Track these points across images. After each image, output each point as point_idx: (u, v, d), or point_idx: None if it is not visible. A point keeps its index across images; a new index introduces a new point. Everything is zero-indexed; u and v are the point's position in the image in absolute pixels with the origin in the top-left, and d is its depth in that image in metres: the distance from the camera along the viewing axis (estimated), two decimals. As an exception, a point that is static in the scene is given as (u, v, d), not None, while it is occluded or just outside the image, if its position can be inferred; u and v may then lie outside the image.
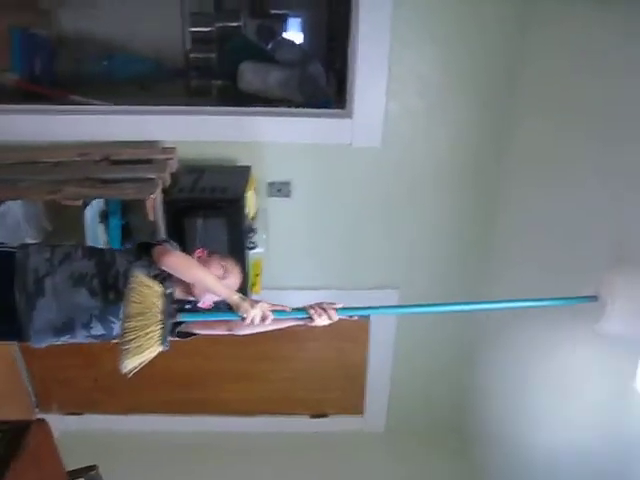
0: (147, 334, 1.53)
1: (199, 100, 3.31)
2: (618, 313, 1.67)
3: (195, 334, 1.89)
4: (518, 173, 2.70)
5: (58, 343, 1.80)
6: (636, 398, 1.71)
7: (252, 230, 2.60)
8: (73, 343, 1.81)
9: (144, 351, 1.54)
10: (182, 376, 3.52)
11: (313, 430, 3.67)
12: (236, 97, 3.22)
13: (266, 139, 2.79)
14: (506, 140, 2.73)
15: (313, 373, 3.54)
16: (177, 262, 1.69)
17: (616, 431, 1.90)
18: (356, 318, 1.69)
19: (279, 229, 2.91)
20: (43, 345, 1.78)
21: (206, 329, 1.86)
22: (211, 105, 3.02)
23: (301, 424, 3.67)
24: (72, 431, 3.34)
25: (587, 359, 2.10)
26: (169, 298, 1.62)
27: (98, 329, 1.74)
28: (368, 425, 3.71)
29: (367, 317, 3.27)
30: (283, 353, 3.45)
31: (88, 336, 1.76)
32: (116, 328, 1.74)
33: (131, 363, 1.54)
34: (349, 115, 2.75)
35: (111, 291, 1.71)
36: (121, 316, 1.65)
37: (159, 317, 1.55)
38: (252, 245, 2.62)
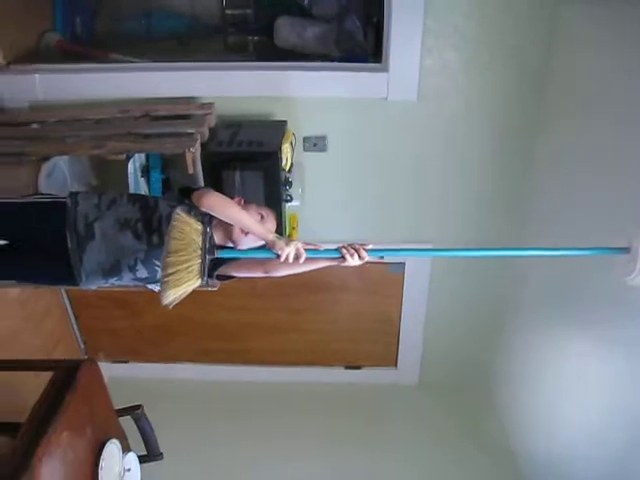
0: (187, 268, 1.61)
1: (236, 56, 3.32)
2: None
3: (233, 277, 1.94)
4: (553, 127, 2.68)
5: (106, 285, 1.90)
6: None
7: (288, 183, 2.65)
8: (120, 286, 1.92)
9: (183, 284, 1.63)
10: (220, 328, 3.66)
11: (347, 381, 3.77)
12: (273, 53, 3.23)
13: (302, 94, 2.82)
14: (542, 92, 2.70)
15: (348, 325, 3.61)
16: (215, 201, 1.76)
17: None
18: (385, 259, 1.75)
19: (315, 183, 2.96)
20: (93, 287, 1.89)
21: (244, 271, 1.92)
22: (248, 61, 3.04)
23: (336, 375, 3.77)
24: (118, 377, 3.49)
25: (613, 310, 2.12)
26: (208, 236, 1.68)
27: (142, 272, 1.84)
28: (401, 378, 3.78)
29: (402, 272, 3.33)
30: (318, 306, 3.53)
31: (134, 279, 1.86)
32: (159, 272, 1.81)
33: (171, 295, 1.63)
34: (385, 69, 2.75)
35: (155, 234, 1.80)
36: None
37: (198, 253, 1.64)
38: (288, 198, 2.67)
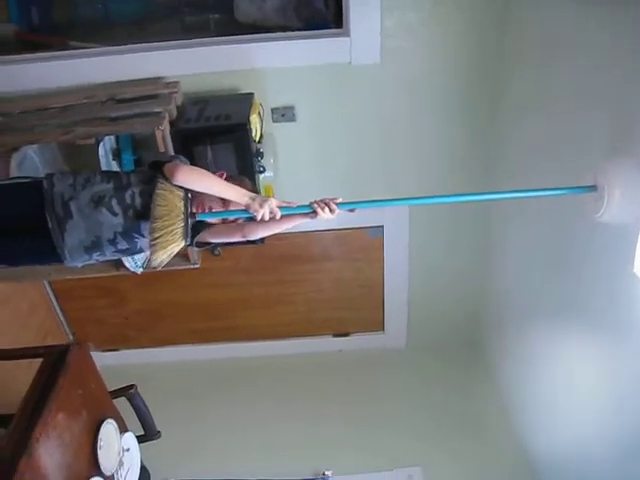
0: (172, 231, 1.76)
1: (197, 35, 3.30)
2: (616, 201, 1.75)
3: (211, 243, 2.00)
4: (516, 74, 2.72)
5: (91, 262, 1.94)
6: (635, 282, 1.79)
7: (260, 154, 2.67)
8: (103, 260, 1.95)
9: (170, 245, 1.77)
10: (206, 306, 3.68)
11: (336, 349, 3.82)
12: (234, 29, 3.21)
13: (266, 65, 2.82)
14: (503, 41, 2.73)
15: (333, 294, 3.66)
16: (187, 174, 1.80)
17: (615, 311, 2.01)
18: (357, 212, 1.84)
19: (287, 153, 2.98)
20: (78, 264, 1.94)
21: (221, 237, 2.01)
22: (209, 36, 3.03)
23: (324, 344, 3.82)
24: (110, 366, 3.51)
25: (589, 250, 2.18)
26: (189, 201, 1.81)
27: (123, 244, 1.89)
28: (389, 342, 3.84)
29: (381, 235, 3.37)
30: (302, 277, 3.57)
31: (115, 251, 1.91)
32: (139, 243, 1.89)
33: (160, 257, 1.79)
34: (346, 34, 2.76)
35: (129, 210, 1.84)
36: (143, 232, 1.85)
37: (181, 217, 1.78)
38: (261, 169, 2.69)
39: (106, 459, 2.25)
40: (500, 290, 3.34)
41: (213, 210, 1.91)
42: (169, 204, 1.76)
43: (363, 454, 3.12)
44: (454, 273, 3.52)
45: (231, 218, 1.93)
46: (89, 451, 2.18)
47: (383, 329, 3.81)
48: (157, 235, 1.73)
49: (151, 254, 1.77)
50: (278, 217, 1.78)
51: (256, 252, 3.39)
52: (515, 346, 3.22)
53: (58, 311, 3.70)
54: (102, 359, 3.55)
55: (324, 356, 3.76)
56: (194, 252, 2.81)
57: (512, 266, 3.11)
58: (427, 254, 3.44)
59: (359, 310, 3.74)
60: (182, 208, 1.78)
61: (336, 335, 3.84)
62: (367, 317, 3.77)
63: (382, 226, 3.33)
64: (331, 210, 1.77)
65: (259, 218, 1.76)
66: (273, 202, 1.77)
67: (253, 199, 1.78)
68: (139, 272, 2.82)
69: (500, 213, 3.14)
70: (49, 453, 1.90)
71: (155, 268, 1.82)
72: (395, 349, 3.82)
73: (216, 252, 3.24)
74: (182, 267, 2.88)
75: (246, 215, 1.82)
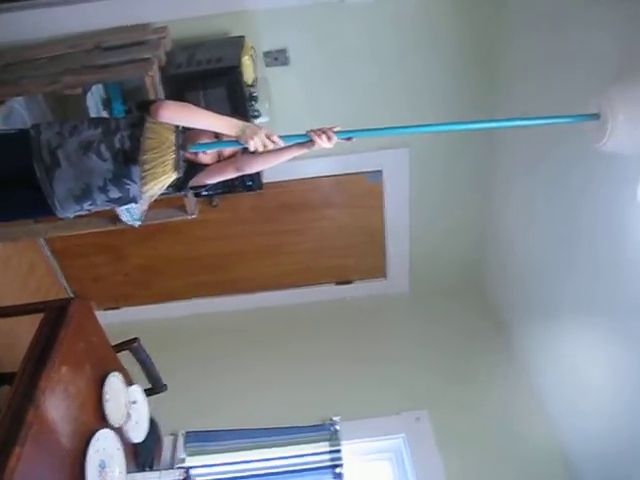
0: (163, 162, 1.73)
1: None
2: (619, 129, 1.70)
3: (206, 185, 1.95)
4: (521, 7, 2.63)
5: (82, 213, 1.89)
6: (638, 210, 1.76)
7: (254, 98, 2.60)
8: (96, 210, 1.90)
9: (160, 176, 1.74)
10: (206, 260, 3.65)
11: (339, 297, 3.81)
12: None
13: (256, 6, 2.73)
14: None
15: (334, 242, 3.62)
16: (174, 110, 1.76)
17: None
18: (354, 140, 1.79)
19: (282, 98, 2.90)
20: (70, 214, 1.88)
21: (216, 175, 1.95)
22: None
23: (327, 292, 3.81)
24: (112, 324, 3.49)
25: (592, 180, 2.14)
26: (180, 133, 1.77)
27: (114, 192, 1.83)
28: (392, 288, 3.82)
29: (380, 180, 3.32)
30: (301, 225, 3.53)
31: (107, 200, 1.85)
32: (132, 190, 1.83)
33: (150, 188, 1.77)
34: (338, -31, 2.66)
35: (119, 154, 1.79)
36: (134, 177, 1.79)
37: (172, 149, 1.75)
38: (256, 114, 2.62)
39: (113, 411, 2.25)
40: (503, 231, 3.31)
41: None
42: (159, 137, 1.73)
43: (370, 399, 3.13)
44: (456, 216, 3.48)
45: (226, 153, 1.89)
46: (96, 404, 2.17)
47: (385, 275, 3.79)
48: (148, 167, 1.72)
49: (142, 185, 1.75)
50: (271, 147, 1.73)
51: (254, 202, 3.34)
52: (519, 288, 3.21)
53: (57, 270, 3.67)
54: (104, 317, 3.51)
55: (327, 304, 3.75)
56: (191, 202, 2.76)
57: (515, 205, 3.08)
58: (428, 198, 3.40)
59: (361, 257, 3.71)
60: (173, 140, 1.75)
61: (339, 283, 3.83)
62: (369, 264, 3.74)
63: (381, 171, 3.28)
64: (328, 138, 1.73)
65: (252, 149, 1.72)
66: (263, 132, 1.72)
67: (244, 129, 1.73)
68: (136, 225, 2.77)
69: (501, 151, 3.08)
70: (55, 405, 1.89)
71: (150, 198, 1.82)
72: (398, 295, 3.81)
73: (214, 203, 3.20)
74: (179, 218, 2.84)
75: (238, 146, 1.78)
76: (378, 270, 3.77)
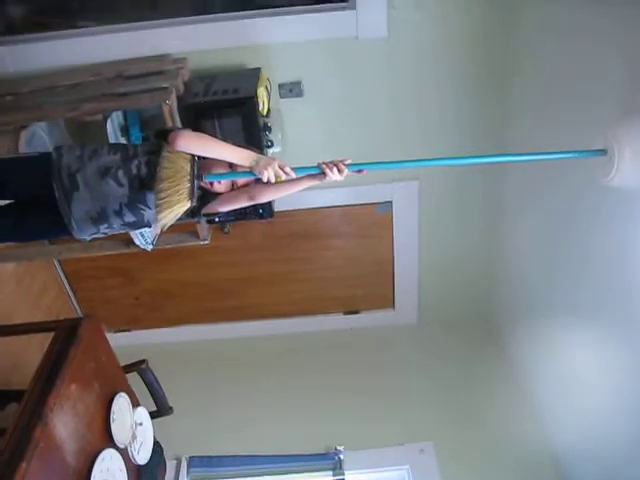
0: (177, 192, 1.77)
1: (203, 11, 3.29)
2: (626, 165, 1.73)
3: (219, 212, 2.00)
4: (527, 42, 2.69)
5: (99, 235, 1.95)
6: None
7: (268, 128, 2.67)
8: (111, 233, 1.96)
9: (175, 204, 1.78)
10: (216, 285, 3.69)
11: (347, 326, 3.82)
12: (240, 4, 3.19)
13: (272, 40, 2.81)
14: (515, 12, 2.71)
15: (342, 271, 3.65)
16: (189, 138, 1.82)
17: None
18: (366, 173, 1.82)
19: (294, 128, 2.97)
20: (87, 236, 1.94)
21: (229, 204, 1.98)
22: (215, 12, 3.02)
23: (335, 321, 3.83)
24: (122, 346, 3.52)
25: (599, 215, 2.17)
26: (196, 163, 1.82)
27: (129, 216, 1.89)
28: (400, 318, 3.83)
29: (390, 210, 3.36)
30: (311, 254, 3.57)
31: (123, 224, 1.91)
32: (146, 215, 1.89)
33: (165, 217, 1.80)
34: (352, 6, 2.75)
35: (135, 180, 1.85)
36: (149, 203, 1.86)
37: (187, 178, 1.79)
38: (269, 144, 2.69)
39: (119, 432, 2.27)
40: (511, 262, 3.33)
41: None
42: (175, 166, 1.77)
43: (375, 429, 3.12)
44: (465, 248, 3.50)
45: (239, 183, 1.93)
46: (102, 423, 2.19)
47: (394, 306, 3.81)
48: (163, 196, 1.75)
49: (157, 214, 1.78)
50: (284, 177, 1.77)
51: (265, 230, 3.39)
52: (527, 322, 3.21)
53: (69, 292, 3.73)
54: (114, 340, 3.56)
55: (335, 334, 3.76)
56: (203, 228, 2.82)
57: (523, 236, 3.10)
58: (437, 229, 3.43)
59: (369, 287, 3.73)
60: (188, 169, 1.79)
61: (347, 313, 3.84)
62: (377, 294, 3.77)
63: (391, 202, 3.32)
64: (339, 170, 1.76)
65: (265, 179, 1.76)
66: (277, 163, 1.76)
67: (257, 161, 1.78)
68: (149, 249, 2.83)
69: (510, 183, 3.11)
70: (63, 423, 1.92)
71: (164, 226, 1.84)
72: (406, 326, 3.82)
73: (225, 230, 3.25)
74: (191, 243, 2.89)
75: (252, 177, 1.83)
76: (386, 300, 3.79)
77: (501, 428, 3.05)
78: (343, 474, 2.91)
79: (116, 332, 3.82)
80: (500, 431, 3.04)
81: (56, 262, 3.58)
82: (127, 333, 3.87)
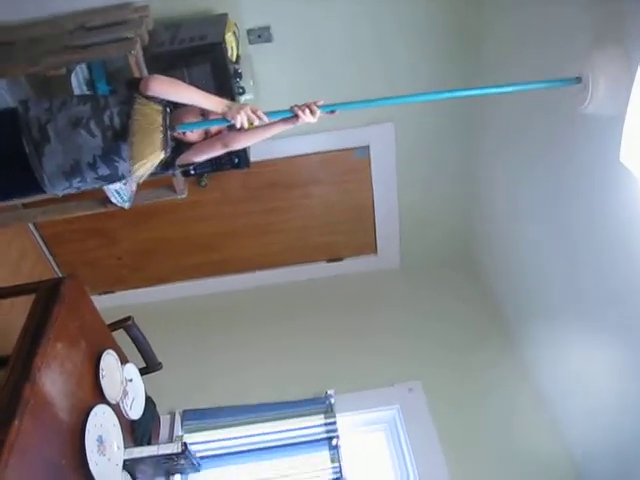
0: (151, 143, 1.77)
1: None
2: (600, 91, 1.73)
3: (194, 162, 1.97)
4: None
5: (72, 191, 1.91)
6: (621, 171, 1.79)
7: (238, 75, 2.61)
8: (85, 189, 1.92)
9: (149, 156, 1.77)
10: (197, 241, 3.66)
11: (331, 274, 3.82)
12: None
13: (237, -17, 2.73)
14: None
15: (323, 219, 3.64)
16: (163, 83, 1.80)
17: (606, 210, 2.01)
18: (337, 114, 1.82)
19: (265, 74, 2.91)
20: (59, 192, 1.90)
21: (204, 153, 1.97)
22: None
23: (319, 270, 3.82)
24: (107, 308, 3.52)
25: (575, 144, 2.17)
26: (168, 114, 1.81)
27: (104, 169, 1.85)
28: (383, 263, 3.85)
29: (367, 155, 3.34)
30: (290, 203, 3.54)
31: (97, 178, 1.87)
32: (120, 167, 1.85)
33: (139, 168, 1.79)
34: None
35: (108, 131, 1.81)
36: (123, 154, 1.82)
37: (160, 129, 1.77)
38: (241, 90, 2.63)
39: (110, 388, 2.28)
40: (490, 202, 3.33)
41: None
42: (147, 118, 1.76)
43: (364, 372, 3.17)
44: (444, 191, 3.51)
45: (213, 131, 1.91)
46: (92, 381, 2.20)
47: (376, 251, 3.82)
48: (136, 148, 1.75)
49: (131, 166, 1.77)
50: (257, 122, 1.77)
51: (243, 181, 3.35)
52: (508, 261, 3.25)
53: (49, 256, 3.67)
54: (99, 302, 3.54)
55: (319, 282, 3.77)
56: (179, 181, 2.78)
57: (501, 175, 3.10)
58: (415, 173, 3.42)
59: (351, 234, 3.73)
60: (160, 120, 1.78)
61: (330, 260, 3.84)
62: (359, 240, 3.76)
63: (368, 146, 3.29)
64: (312, 112, 1.76)
65: (238, 125, 1.76)
66: (249, 108, 1.76)
67: (229, 107, 1.78)
68: (126, 207, 2.79)
69: (486, 123, 3.10)
70: (51, 381, 1.92)
71: (139, 179, 1.83)
72: (389, 270, 3.83)
73: (202, 183, 3.21)
74: (168, 198, 2.85)
75: (225, 123, 1.82)
76: (368, 246, 3.79)
77: (487, 365, 3.13)
78: (334, 416, 2.95)
79: (100, 294, 3.79)
80: (487, 368, 3.11)
81: (32, 227, 3.52)
82: (111, 295, 3.84)
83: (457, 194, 3.52)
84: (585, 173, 2.14)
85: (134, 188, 2.75)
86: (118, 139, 1.80)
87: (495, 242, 3.41)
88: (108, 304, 3.59)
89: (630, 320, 2.01)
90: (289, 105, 1.81)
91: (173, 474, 2.65)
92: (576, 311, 2.46)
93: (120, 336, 2.68)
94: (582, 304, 2.38)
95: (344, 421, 3.00)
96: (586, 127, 2.04)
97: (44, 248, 3.64)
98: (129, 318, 2.56)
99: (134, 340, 2.61)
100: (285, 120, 1.83)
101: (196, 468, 2.53)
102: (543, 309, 2.83)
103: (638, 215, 1.81)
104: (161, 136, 1.77)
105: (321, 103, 1.78)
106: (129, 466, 2.29)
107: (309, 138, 3.14)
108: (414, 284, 3.71)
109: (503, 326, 3.34)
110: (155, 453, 2.32)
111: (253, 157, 2.97)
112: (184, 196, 2.86)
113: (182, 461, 2.38)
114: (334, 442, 2.87)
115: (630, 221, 1.85)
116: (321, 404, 3.02)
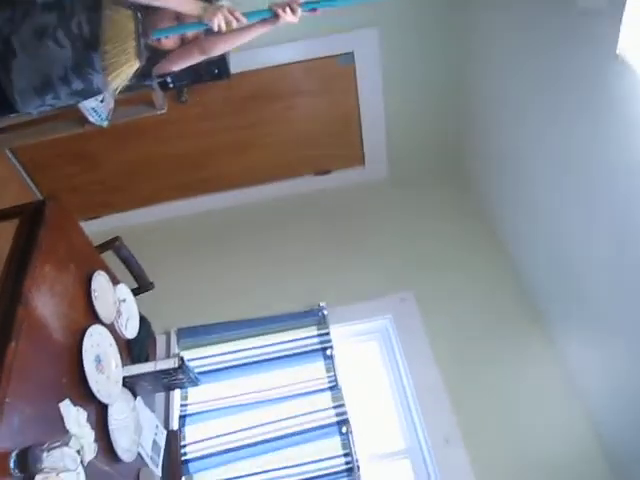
0: (124, 51, 1.67)
1: None
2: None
3: (172, 72, 1.89)
4: None
5: (46, 108, 1.81)
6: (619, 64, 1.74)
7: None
8: (60, 106, 1.83)
9: (123, 65, 1.68)
10: (181, 159, 3.57)
11: (319, 187, 3.78)
12: None
13: None
14: None
15: (309, 131, 3.56)
16: None
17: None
18: (319, 12, 1.73)
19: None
20: (32, 110, 1.80)
21: (181, 60, 1.88)
22: None
23: (307, 183, 3.77)
24: (94, 233, 3.47)
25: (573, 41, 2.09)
26: (140, 20, 1.69)
27: (77, 83, 1.74)
28: (371, 175, 3.79)
29: (352, 62, 3.22)
30: (274, 116, 3.44)
31: (71, 93, 1.77)
32: (95, 80, 1.74)
33: (114, 79, 1.70)
34: None
35: (78, 41, 1.69)
36: (96, 66, 1.70)
37: (133, 36, 1.67)
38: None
39: (103, 308, 2.27)
40: (480, 109, 3.25)
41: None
42: (118, 25, 1.65)
43: (356, 284, 3.21)
44: (431, 98, 3.43)
45: (189, 37, 1.81)
46: (84, 302, 2.19)
47: (364, 163, 3.76)
48: (109, 57, 1.65)
49: (105, 77, 1.69)
50: (235, 25, 1.69)
51: (224, 94, 3.23)
52: (497, 171, 3.21)
53: (30, 184, 3.59)
54: (86, 227, 3.49)
55: (308, 196, 3.73)
56: (158, 96, 2.67)
57: (491, 82, 3.00)
58: (402, 79, 3.32)
59: (338, 146, 3.65)
60: (132, 27, 1.67)
61: (317, 173, 3.78)
62: (347, 152, 3.70)
63: (352, 52, 3.17)
64: (293, 11, 1.68)
65: (215, 28, 1.67)
66: (225, 9, 1.67)
67: (205, 8, 1.68)
68: (105, 125, 2.69)
69: (476, 25, 2.97)
70: (43, 303, 1.90)
71: (115, 92, 1.74)
72: (378, 182, 3.78)
73: (182, 98, 3.10)
74: (148, 114, 2.76)
75: (201, 27, 1.73)
76: (356, 158, 3.73)
77: (478, 275, 3.17)
78: (327, 327, 3.00)
79: (86, 220, 3.72)
80: (478, 278, 3.16)
81: (10, 153, 3.41)
82: (98, 220, 3.76)
83: (446, 101, 3.43)
84: (582, 69, 2.08)
85: (112, 105, 2.64)
86: (89, 49, 1.68)
87: (485, 152, 3.35)
88: (95, 229, 3.54)
89: None
90: (268, 4, 1.71)
91: (173, 389, 2.70)
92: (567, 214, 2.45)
93: (110, 258, 2.66)
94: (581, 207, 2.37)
95: (338, 332, 3.06)
96: (582, 25, 1.97)
97: (25, 176, 3.54)
98: (117, 239, 2.52)
99: (124, 261, 2.59)
100: (264, 21, 1.74)
101: (195, 382, 2.57)
102: (536, 220, 2.83)
103: (635, 108, 1.78)
104: (134, 44, 1.68)
105: (302, 0, 1.69)
106: (129, 383, 2.32)
107: (291, 46, 3.03)
108: (403, 195, 3.69)
109: (494, 234, 3.35)
110: (153, 369, 2.34)
111: (234, 68, 2.85)
112: (164, 111, 2.77)
113: (180, 376, 2.41)
114: (328, 352, 2.93)
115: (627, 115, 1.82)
116: (314, 316, 3.06)
